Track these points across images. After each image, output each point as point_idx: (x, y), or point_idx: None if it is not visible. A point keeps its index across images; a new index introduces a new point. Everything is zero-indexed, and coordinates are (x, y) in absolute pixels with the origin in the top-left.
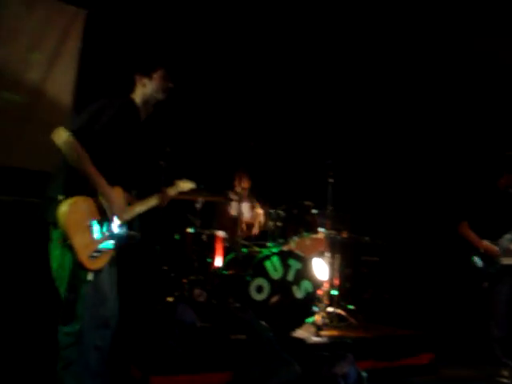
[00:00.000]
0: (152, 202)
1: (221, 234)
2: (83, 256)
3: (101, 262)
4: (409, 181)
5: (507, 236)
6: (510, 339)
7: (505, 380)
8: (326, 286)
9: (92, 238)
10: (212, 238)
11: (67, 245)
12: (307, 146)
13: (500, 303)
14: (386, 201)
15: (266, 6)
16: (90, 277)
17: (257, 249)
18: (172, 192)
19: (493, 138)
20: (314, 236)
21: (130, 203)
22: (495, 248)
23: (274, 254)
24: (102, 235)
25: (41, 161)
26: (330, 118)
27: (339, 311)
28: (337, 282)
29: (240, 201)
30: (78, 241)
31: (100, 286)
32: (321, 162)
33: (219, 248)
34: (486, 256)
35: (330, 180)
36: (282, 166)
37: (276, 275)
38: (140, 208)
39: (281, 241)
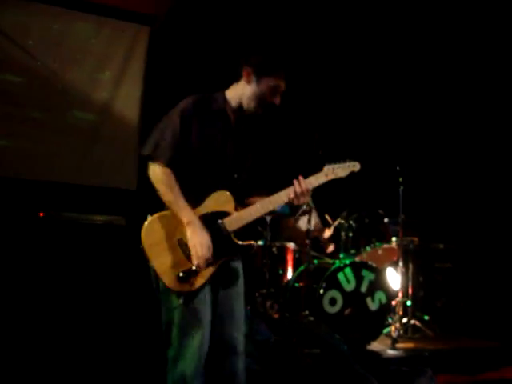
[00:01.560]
0: (278, 199)
1: (291, 245)
2: (168, 278)
3: (196, 283)
4: (482, 184)
5: None
6: None
7: None
8: (399, 297)
9: (183, 256)
10: (282, 250)
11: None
12: (377, 154)
13: None
14: (459, 205)
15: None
16: (180, 301)
17: (329, 260)
18: (313, 182)
19: None
20: (387, 246)
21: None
22: None
23: (346, 265)
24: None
25: (109, 178)
26: (398, 124)
27: (414, 322)
28: (410, 291)
29: (310, 212)
30: (160, 262)
31: (198, 309)
32: (391, 168)
33: (290, 260)
34: None
35: (401, 187)
36: (351, 175)
37: (349, 287)
38: (253, 213)
39: (353, 252)
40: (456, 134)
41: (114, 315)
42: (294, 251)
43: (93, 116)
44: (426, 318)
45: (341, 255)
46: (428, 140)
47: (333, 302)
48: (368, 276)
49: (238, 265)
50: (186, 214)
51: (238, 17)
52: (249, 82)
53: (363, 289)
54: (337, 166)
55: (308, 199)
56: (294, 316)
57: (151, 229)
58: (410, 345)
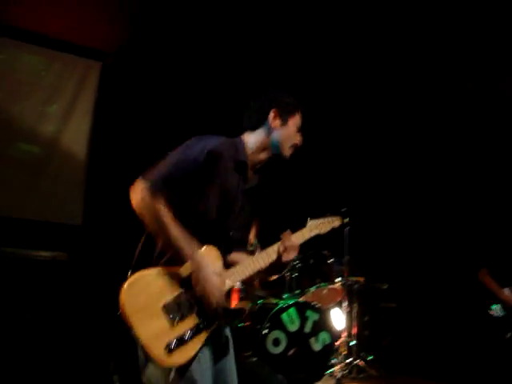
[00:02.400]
0: (267, 257)
1: (237, 285)
2: (155, 350)
3: (185, 354)
4: (426, 225)
5: None
6: None
7: None
8: (344, 337)
9: (169, 324)
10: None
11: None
12: (321, 195)
13: None
14: (403, 246)
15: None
16: (172, 375)
17: (273, 300)
18: (300, 237)
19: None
20: (331, 286)
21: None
22: None
23: (290, 305)
24: (184, 317)
25: (54, 213)
26: (343, 165)
27: (358, 362)
28: (355, 331)
29: (255, 251)
30: (145, 331)
31: (196, 381)
32: (335, 209)
33: (235, 299)
34: (507, 304)
35: (346, 228)
36: (296, 215)
37: (293, 327)
38: (246, 271)
39: (297, 292)
40: (401, 175)
41: (54, 351)
42: (240, 291)
43: (39, 149)
44: (370, 357)
45: (285, 295)
46: (373, 182)
47: (276, 342)
48: (312, 316)
49: (227, 328)
50: (193, 256)
51: (190, 54)
52: (276, 126)
53: (307, 329)
54: (320, 221)
55: (295, 255)
56: (238, 356)
57: (132, 292)
58: None
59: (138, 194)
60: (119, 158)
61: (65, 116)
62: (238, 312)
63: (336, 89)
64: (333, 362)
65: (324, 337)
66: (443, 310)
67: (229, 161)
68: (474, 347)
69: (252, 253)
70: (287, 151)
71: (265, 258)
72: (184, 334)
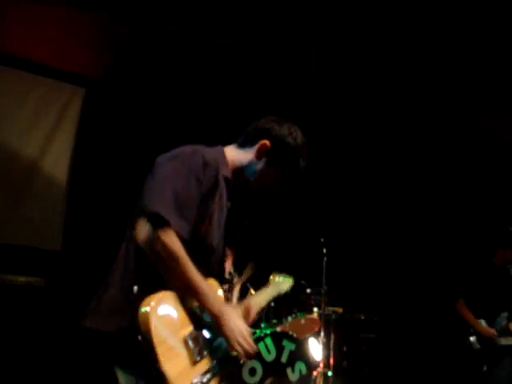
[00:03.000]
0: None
1: None
2: None
3: None
4: (405, 257)
5: (504, 314)
6: None
7: None
8: (321, 367)
9: (190, 361)
10: None
11: (154, 373)
12: (298, 225)
13: None
14: (382, 277)
15: None
16: None
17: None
18: (258, 304)
19: (487, 214)
20: (309, 316)
21: None
22: (491, 330)
23: (267, 335)
24: (202, 357)
25: (33, 237)
26: (322, 195)
27: None
28: (332, 361)
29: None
30: (170, 368)
31: None
32: (313, 240)
33: None
34: (483, 337)
35: (325, 258)
36: (274, 246)
37: (269, 357)
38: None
39: (274, 321)
40: (379, 207)
41: (28, 378)
42: None
43: (20, 173)
44: None
45: (262, 325)
46: (351, 212)
47: (252, 372)
48: (289, 346)
49: None
50: (217, 304)
51: (174, 84)
52: (259, 158)
53: (283, 359)
54: (281, 280)
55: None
56: None
57: (159, 315)
58: None
59: (148, 234)
60: (100, 184)
61: (46, 141)
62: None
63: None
64: None
65: (300, 367)
66: (422, 341)
67: (221, 176)
68: (451, 380)
69: (229, 282)
70: (255, 186)
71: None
72: (203, 377)
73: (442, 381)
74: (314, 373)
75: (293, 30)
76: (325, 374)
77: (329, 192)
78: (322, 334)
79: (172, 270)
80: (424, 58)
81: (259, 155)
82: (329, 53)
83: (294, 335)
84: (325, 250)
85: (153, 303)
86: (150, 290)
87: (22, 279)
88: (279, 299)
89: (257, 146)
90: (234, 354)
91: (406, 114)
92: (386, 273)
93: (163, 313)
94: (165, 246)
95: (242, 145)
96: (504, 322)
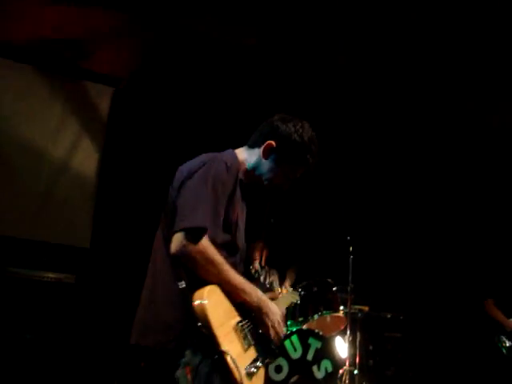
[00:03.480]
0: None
1: None
2: (238, 372)
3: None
4: (432, 255)
5: None
6: None
7: None
8: (346, 365)
9: (242, 348)
10: None
11: (215, 358)
12: (326, 223)
13: None
14: (408, 275)
15: None
16: None
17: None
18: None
19: None
20: (335, 314)
21: None
22: None
23: (293, 332)
24: (249, 345)
25: (62, 235)
26: (348, 193)
27: None
28: (358, 360)
29: (260, 278)
30: (230, 348)
31: None
32: (340, 238)
33: None
34: None
35: (351, 256)
36: (301, 243)
37: (295, 355)
38: None
39: (300, 319)
40: (405, 204)
41: (59, 373)
42: None
43: (50, 172)
44: None
45: (288, 322)
46: (379, 210)
47: (278, 369)
48: (315, 344)
49: None
50: (254, 293)
51: (200, 82)
52: (265, 157)
53: (309, 357)
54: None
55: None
56: None
57: (213, 303)
58: None
59: (183, 244)
60: (128, 183)
61: (75, 140)
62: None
63: (338, 114)
64: None
65: (326, 365)
66: (449, 341)
67: (236, 183)
68: (480, 380)
69: (256, 280)
70: (268, 185)
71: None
72: (254, 363)
73: (469, 381)
74: (340, 371)
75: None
76: (351, 372)
77: (356, 189)
78: (348, 332)
79: (211, 273)
80: (435, 50)
81: (266, 155)
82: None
83: (321, 333)
84: (351, 248)
85: (205, 295)
86: (195, 286)
87: (52, 275)
88: (306, 297)
89: (263, 146)
90: (273, 345)
91: (426, 104)
92: (413, 271)
93: (214, 303)
94: (202, 253)
95: (252, 146)
96: None
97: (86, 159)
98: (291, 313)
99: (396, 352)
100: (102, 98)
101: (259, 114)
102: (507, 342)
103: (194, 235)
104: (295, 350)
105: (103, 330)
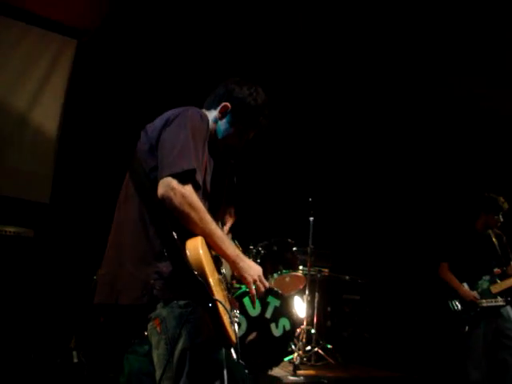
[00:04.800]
0: None
1: None
2: (227, 323)
3: (234, 334)
4: (390, 220)
5: (486, 277)
6: (487, 382)
7: None
8: (304, 324)
9: (224, 298)
10: None
11: (210, 306)
12: (288, 184)
13: (478, 346)
14: (368, 239)
15: None
16: (222, 355)
17: (235, 285)
18: None
19: (472, 180)
20: (294, 273)
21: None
22: (472, 293)
23: None
24: (227, 298)
25: (22, 189)
26: (312, 155)
27: (317, 350)
28: (316, 320)
29: None
30: (220, 297)
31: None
32: (302, 199)
33: None
34: (465, 299)
35: (311, 218)
36: (262, 203)
37: (254, 312)
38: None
39: None
40: (367, 170)
41: (15, 327)
42: None
43: (9, 125)
44: (329, 346)
45: None
46: (340, 174)
47: (237, 326)
48: (273, 302)
49: None
50: (232, 248)
51: (168, 34)
52: (221, 118)
53: (268, 315)
54: None
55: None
56: None
57: (205, 253)
58: (311, 372)
59: (177, 193)
60: (91, 137)
61: (36, 92)
62: None
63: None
64: (292, 348)
65: (284, 323)
66: (405, 303)
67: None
68: (431, 340)
69: None
70: (221, 144)
71: None
72: (234, 313)
73: (423, 342)
74: (298, 329)
75: None
76: (308, 332)
77: (319, 153)
78: (307, 292)
79: (192, 220)
80: (422, 25)
81: (222, 116)
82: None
83: (279, 292)
84: (312, 211)
85: (199, 245)
86: (184, 237)
87: (11, 229)
88: (265, 256)
89: (219, 108)
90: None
91: (400, 79)
92: (372, 236)
93: (204, 254)
94: (187, 198)
95: (208, 107)
96: (485, 285)
97: (47, 112)
98: None
99: (353, 314)
100: (65, 50)
101: (220, 74)
102: (459, 305)
103: (182, 179)
104: (254, 307)
105: (61, 284)
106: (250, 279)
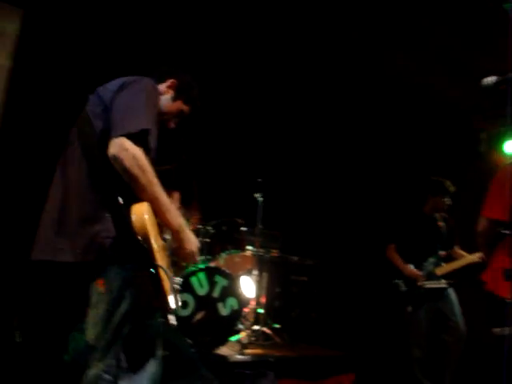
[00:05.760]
0: None
1: None
2: (168, 287)
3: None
4: (338, 202)
5: (431, 260)
6: (428, 360)
7: None
8: (252, 304)
9: (168, 263)
10: None
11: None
12: (238, 164)
13: (421, 326)
14: (317, 221)
15: None
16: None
17: (183, 264)
18: None
19: (420, 163)
20: (242, 254)
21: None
22: (418, 272)
23: (200, 269)
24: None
25: None
26: (262, 135)
27: (265, 330)
28: (264, 300)
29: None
30: (163, 264)
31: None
32: (251, 179)
33: None
34: (410, 280)
35: (260, 198)
36: (212, 183)
37: (202, 291)
38: None
39: (208, 257)
40: (315, 152)
41: None
42: None
43: None
44: (277, 326)
45: None
46: (289, 155)
47: (184, 305)
48: (221, 282)
49: None
50: (176, 217)
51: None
52: (165, 93)
53: (216, 294)
54: None
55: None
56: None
57: (149, 219)
58: (258, 351)
59: (126, 152)
60: (36, 109)
61: None
62: None
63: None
64: (239, 328)
65: (232, 303)
66: (352, 284)
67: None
68: (377, 320)
69: None
70: (160, 117)
71: None
72: (177, 280)
73: (369, 322)
74: (246, 309)
75: None
76: (256, 312)
77: (269, 133)
78: (256, 272)
79: (140, 181)
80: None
81: (167, 91)
82: None
83: (227, 271)
84: (261, 192)
85: (144, 210)
86: (130, 201)
87: None
88: (214, 236)
89: (166, 83)
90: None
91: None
92: (321, 218)
93: (149, 219)
94: (139, 159)
95: (156, 82)
96: (431, 267)
97: None
98: (199, 250)
99: (301, 295)
100: (11, 19)
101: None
102: (403, 286)
103: (135, 140)
104: (202, 286)
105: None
106: (187, 251)
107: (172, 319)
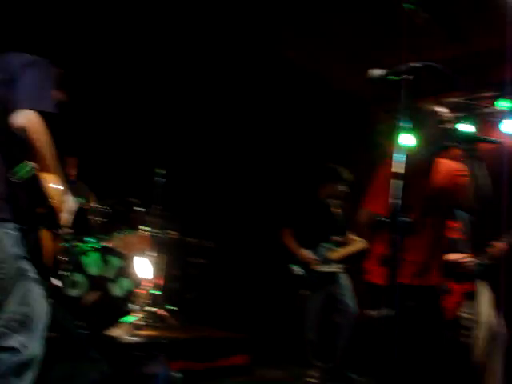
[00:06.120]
0: None
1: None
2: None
3: None
4: (238, 186)
5: (325, 245)
6: (320, 342)
7: (313, 380)
8: (148, 286)
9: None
10: None
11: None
12: (137, 144)
13: (314, 309)
14: (217, 204)
15: None
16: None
17: (76, 243)
18: None
19: (319, 150)
20: (139, 234)
21: None
22: (312, 257)
23: (94, 249)
24: None
25: None
26: (163, 117)
27: (159, 311)
28: (160, 281)
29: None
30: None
31: None
32: (151, 161)
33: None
34: (305, 264)
35: (159, 179)
36: (109, 161)
37: (94, 271)
38: None
39: (102, 237)
40: (216, 135)
41: None
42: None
43: None
44: (172, 308)
45: (89, 239)
46: (190, 138)
47: (75, 285)
48: (115, 262)
49: None
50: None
51: None
52: None
53: (109, 274)
54: None
55: None
56: None
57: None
58: (151, 333)
59: (33, 124)
60: None
61: None
62: None
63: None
64: (134, 309)
65: (125, 283)
66: (250, 268)
67: None
68: (274, 303)
69: None
70: None
71: None
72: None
73: (266, 305)
74: (140, 291)
75: None
76: (152, 293)
77: (170, 115)
78: (154, 254)
79: (43, 153)
80: None
81: None
82: None
83: (122, 251)
84: (161, 173)
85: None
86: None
87: None
88: (109, 215)
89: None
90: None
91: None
92: (221, 201)
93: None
94: (44, 135)
95: None
96: (325, 252)
97: None
98: (93, 229)
99: (199, 277)
100: None
101: None
102: (298, 270)
103: (41, 116)
104: (94, 266)
105: None
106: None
107: (56, 282)
